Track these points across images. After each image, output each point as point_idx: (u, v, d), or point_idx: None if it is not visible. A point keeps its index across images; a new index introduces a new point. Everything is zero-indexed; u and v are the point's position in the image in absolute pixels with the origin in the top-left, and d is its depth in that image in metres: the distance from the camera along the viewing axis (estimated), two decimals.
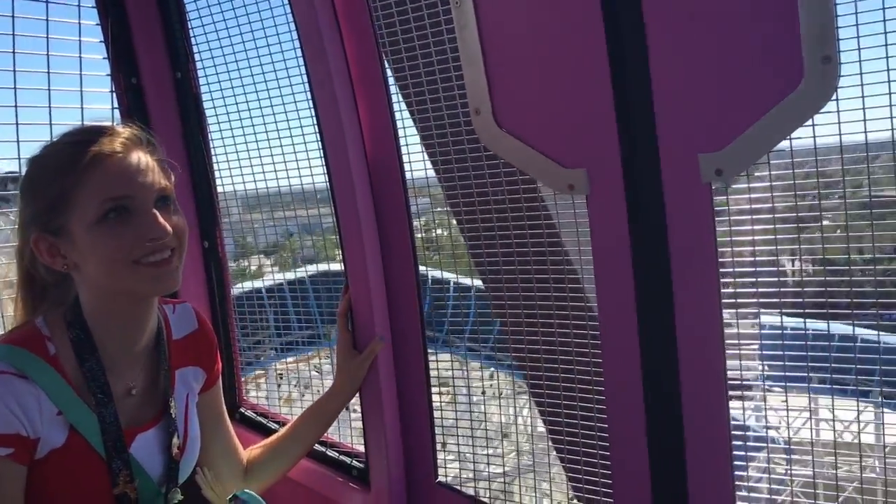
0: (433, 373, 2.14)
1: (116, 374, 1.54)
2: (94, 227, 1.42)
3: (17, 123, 2.14)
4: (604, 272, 1.69)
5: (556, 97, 1.70)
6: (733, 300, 1.63)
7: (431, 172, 2.04)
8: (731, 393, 1.62)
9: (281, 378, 3.44)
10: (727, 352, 1.60)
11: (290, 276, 3.28)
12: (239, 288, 2.91)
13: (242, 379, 2.68)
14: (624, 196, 1.62)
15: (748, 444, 1.68)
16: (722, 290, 1.58)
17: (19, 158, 2.16)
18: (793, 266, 1.82)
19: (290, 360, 3.23)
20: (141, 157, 1.48)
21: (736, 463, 1.63)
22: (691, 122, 1.53)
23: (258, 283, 3.10)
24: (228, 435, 1.90)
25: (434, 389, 2.15)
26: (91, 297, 1.52)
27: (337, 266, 2.97)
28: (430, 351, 2.14)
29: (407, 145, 2.04)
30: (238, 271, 3.58)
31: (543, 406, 1.91)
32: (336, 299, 2.43)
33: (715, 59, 1.49)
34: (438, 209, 2.11)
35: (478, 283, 2.19)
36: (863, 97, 1.37)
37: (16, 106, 2.15)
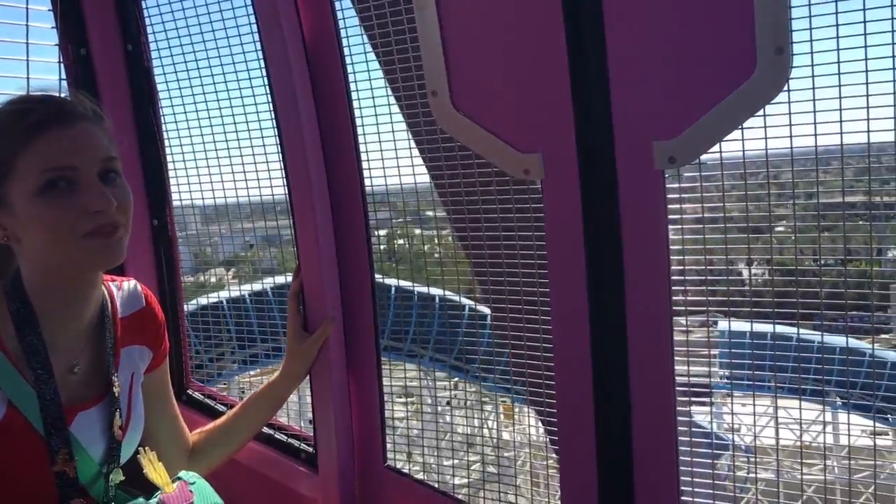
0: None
1: (58, 351, 1.50)
2: (36, 199, 1.37)
3: None
4: (556, 257, 1.70)
5: (513, 81, 1.70)
6: (682, 287, 1.66)
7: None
8: (679, 388, 1.65)
9: (244, 393, 3.39)
10: (675, 346, 1.63)
11: (249, 288, 3.25)
12: (201, 300, 2.88)
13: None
14: (578, 182, 1.62)
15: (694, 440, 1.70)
16: (672, 278, 1.60)
17: None
18: (743, 268, 1.86)
19: (253, 373, 3.19)
20: (86, 128, 1.44)
21: (682, 460, 1.65)
22: (646, 110, 1.54)
23: (222, 295, 3.07)
24: (174, 416, 1.87)
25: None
26: (32, 269, 1.48)
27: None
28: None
29: (362, 116, 2.03)
30: (194, 285, 3.52)
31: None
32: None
33: (671, 48, 1.51)
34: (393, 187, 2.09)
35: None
36: (813, 88, 1.39)
37: None
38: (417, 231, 2.36)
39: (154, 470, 1.54)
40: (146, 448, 1.58)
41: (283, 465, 2.22)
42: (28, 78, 2.25)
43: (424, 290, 2.21)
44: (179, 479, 1.59)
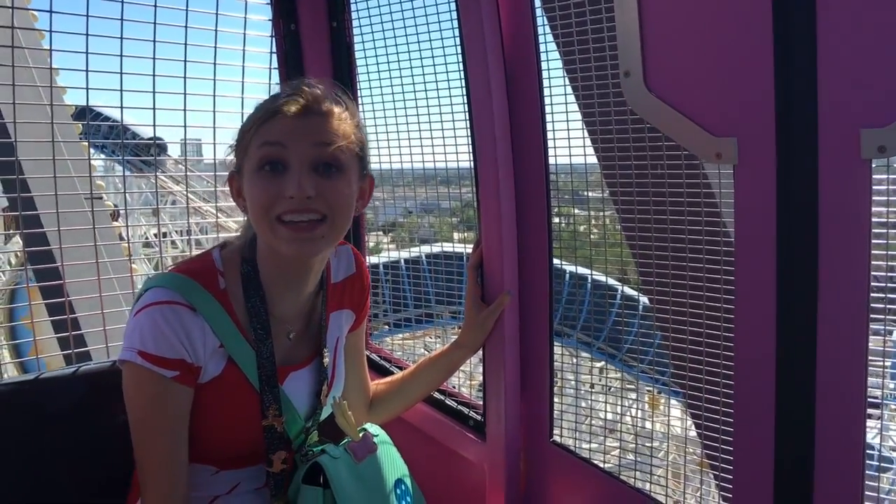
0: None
1: (277, 317, 1.62)
2: (253, 174, 1.50)
3: (184, 61, 2.27)
4: (745, 247, 1.64)
5: (712, 63, 1.65)
6: (882, 294, 1.55)
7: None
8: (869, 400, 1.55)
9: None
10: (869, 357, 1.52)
11: (405, 254, 3.34)
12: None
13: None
14: (775, 168, 1.56)
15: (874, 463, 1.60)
16: (872, 284, 1.50)
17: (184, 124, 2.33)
18: None
19: (401, 336, 3.29)
20: (317, 119, 1.51)
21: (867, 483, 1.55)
22: (856, 95, 1.45)
23: (374, 259, 3.19)
24: (363, 370, 1.99)
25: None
26: (260, 240, 1.60)
27: (450, 247, 3.02)
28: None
29: (551, 95, 2.04)
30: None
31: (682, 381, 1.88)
32: (451, 280, 2.48)
33: (886, 30, 1.41)
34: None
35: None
36: None
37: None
38: (589, 213, 2.34)
39: (345, 419, 1.66)
40: (338, 398, 1.70)
41: (452, 429, 2.29)
42: (244, 50, 2.45)
43: (600, 278, 2.21)
44: (364, 430, 1.70)
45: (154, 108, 2.25)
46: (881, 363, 1.59)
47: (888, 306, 1.56)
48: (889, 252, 1.52)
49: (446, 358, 2.07)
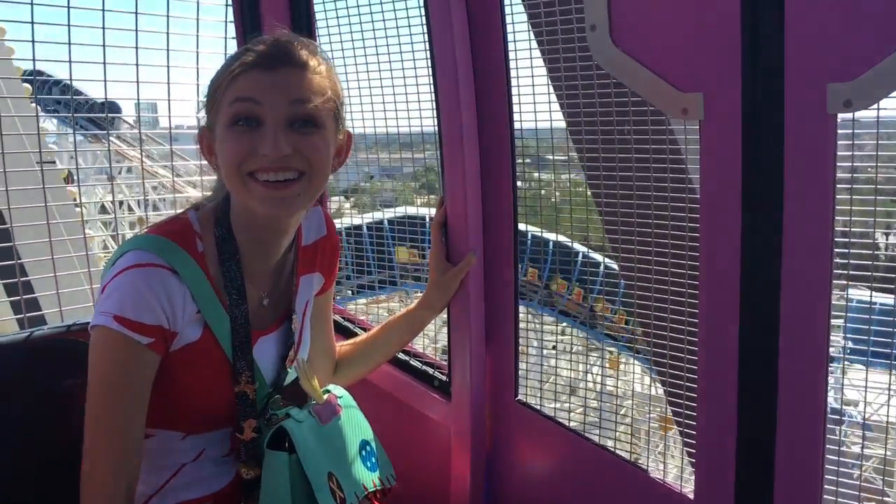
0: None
1: (251, 281, 1.57)
2: (226, 129, 1.44)
3: (135, 13, 2.19)
4: (711, 203, 1.64)
5: (678, 17, 1.63)
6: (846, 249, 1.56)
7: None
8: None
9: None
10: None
11: (368, 219, 3.29)
12: None
13: None
14: (741, 124, 1.55)
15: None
16: (835, 239, 1.51)
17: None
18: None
19: (363, 301, 3.25)
20: (294, 72, 1.44)
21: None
22: (822, 49, 1.44)
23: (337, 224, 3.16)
24: (329, 334, 1.96)
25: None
26: (233, 200, 1.55)
27: (414, 210, 2.97)
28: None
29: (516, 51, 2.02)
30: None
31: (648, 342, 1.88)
32: (414, 245, 2.45)
33: None
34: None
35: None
36: None
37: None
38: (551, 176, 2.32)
39: (308, 382, 1.63)
40: (303, 360, 1.67)
41: (418, 389, 2.29)
42: (198, 4, 2.36)
43: (565, 240, 2.20)
44: (328, 391, 1.68)
45: (105, 63, 2.15)
46: (842, 319, 1.61)
47: (850, 261, 1.57)
48: (853, 208, 1.53)
49: (410, 318, 2.05)
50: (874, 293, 1.67)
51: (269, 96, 1.40)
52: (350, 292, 3.24)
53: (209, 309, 1.48)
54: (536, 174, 2.43)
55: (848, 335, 2.02)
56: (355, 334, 2.49)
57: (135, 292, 1.38)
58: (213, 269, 1.51)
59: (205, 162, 1.59)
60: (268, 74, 1.42)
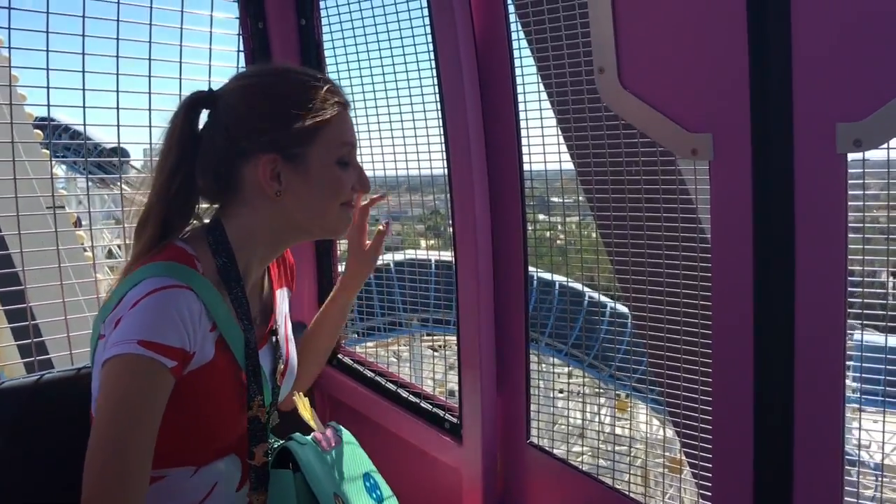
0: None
1: (249, 299, 1.57)
2: (333, 167, 1.55)
3: (149, 58, 2.22)
4: (721, 244, 1.64)
5: (687, 58, 1.65)
6: (860, 289, 1.55)
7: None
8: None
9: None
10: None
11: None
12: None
13: None
14: (751, 164, 1.55)
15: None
16: (849, 279, 1.50)
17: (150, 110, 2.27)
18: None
19: (369, 344, 3.24)
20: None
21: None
22: (831, 89, 1.45)
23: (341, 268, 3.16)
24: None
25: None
26: (259, 225, 1.55)
27: (423, 254, 2.96)
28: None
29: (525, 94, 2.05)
30: None
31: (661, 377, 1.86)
32: (420, 289, 2.45)
33: (862, 24, 1.41)
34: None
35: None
36: None
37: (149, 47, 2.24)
38: (564, 217, 2.32)
39: (306, 411, 1.64)
40: (299, 392, 1.68)
41: (428, 433, 2.26)
42: (210, 49, 2.39)
43: (575, 285, 2.20)
44: (331, 425, 1.68)
45: (118, 108, 2.17)
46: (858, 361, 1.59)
47: (864, 300, 1.56)
48: (866, 247, 1.52)
49: (336, 304, 1.99)
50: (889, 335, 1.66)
51: (355, 139, 1.64)
52: (356, 335, 3.21)
53: (227, 327, 1.46)
54: (544, 216, 2.43)
55: (861, 375, 2.00)
56: (364, 377, 2.48)
57: (158, 314, 1.35)
58: (219, 289, 1.50)
59: None
60: (349, 114, 1.61)
